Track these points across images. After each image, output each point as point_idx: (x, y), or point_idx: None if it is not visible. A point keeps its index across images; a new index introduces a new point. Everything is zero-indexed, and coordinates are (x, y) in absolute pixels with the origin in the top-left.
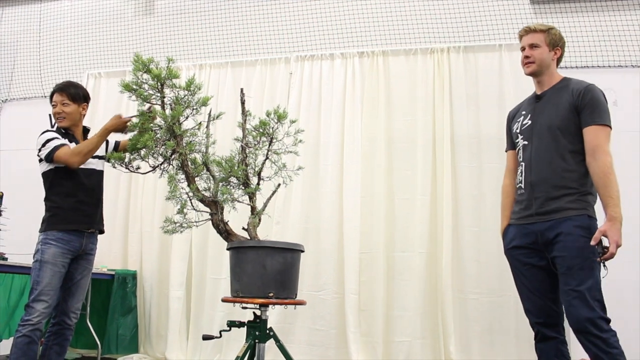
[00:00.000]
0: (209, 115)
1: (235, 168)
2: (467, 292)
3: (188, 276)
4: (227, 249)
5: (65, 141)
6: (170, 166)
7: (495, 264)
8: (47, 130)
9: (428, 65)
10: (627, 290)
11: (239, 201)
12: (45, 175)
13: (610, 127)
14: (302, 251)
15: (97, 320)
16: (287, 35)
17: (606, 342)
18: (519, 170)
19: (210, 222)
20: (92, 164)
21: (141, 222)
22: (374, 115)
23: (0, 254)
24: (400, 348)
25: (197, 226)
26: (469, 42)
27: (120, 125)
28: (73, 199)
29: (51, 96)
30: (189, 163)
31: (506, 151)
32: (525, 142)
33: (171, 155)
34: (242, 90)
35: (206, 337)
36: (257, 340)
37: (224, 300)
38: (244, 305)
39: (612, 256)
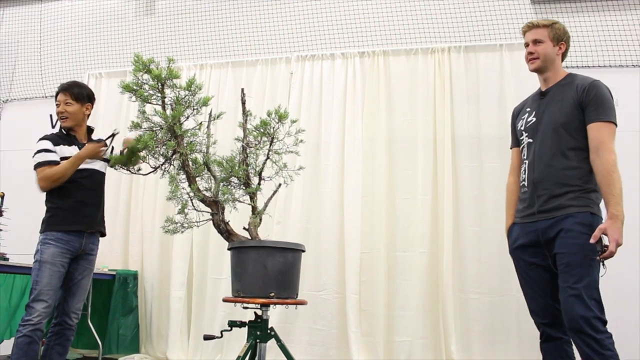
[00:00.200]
0: (210, 115)
1: (236, 168)
2: (468, 292)
3: (189, 276)
4: (228, 249)
5: (51, 156)
6: (171, 166)
7: (497, 264)
8: (43, 138)
9: (429, 65)
10: (627, 290)
11: (239, 201)
12: None
13: (616, 124)
14: (303, 251)
15: (98, 320)
16: (288, 35)
17: (600, 344)
18: (523, 168)
19: (211, 222)
20: (94, 165)
21: (142, 223)
22: (374, 115)
23: (1, 254)
24: (402, 348)
25: (198, 226)
26: (469, 42)
27: (95, 154)
28: (72, 200)
29: (55, 96)
30: (190, 163)
31: (511, 148)
32: (530, 140)
33: (172, 156)
34: (242, 90)
35: (207, 337)
36: (258, 340)
37: (225, 300)
38: (245, 305)
39: (611, 255)
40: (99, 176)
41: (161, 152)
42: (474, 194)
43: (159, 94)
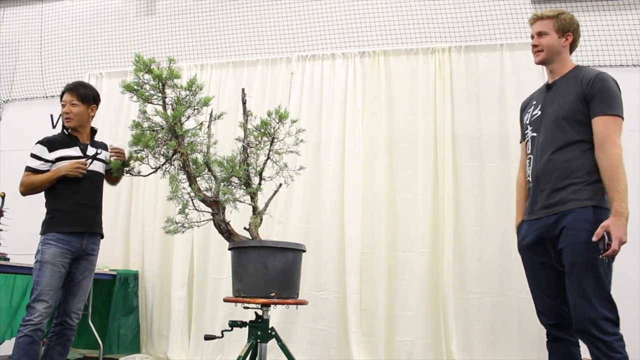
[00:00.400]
0: (211, 115)
1: (237, 168)
2: (469, 292)
3: (190, 276)
4: (229, 249)
5: (38, 164)
6: (172, 166)
7: (497, 264)
8: (40, 142)
9: (429, 64)
10: (627, 290)
11: (240, 201)
12: None
13: (622, 117)
14: (304, 251)
15: (99, 320)
16: (289, 35)
17: (609, 346)
18: (528, 163)
19: (211, 222)
20: (93, 166)
21: (143, 223)
22: (375, 115)
23: (2, 254)
24: (402, 348)
25: (198, 226)
26: (470, 42)
27: (76, 171)
28: (72, 202)
29: (61, 95)
30: (191, 163)
31: (520, 143)
32: (534, 134)
33: (173, 156)
34: (243, 90)
35: (208, 337)
36: (259, 340)
37: (225, 300)
38: (246, 305)
39: (614, 253)
40: (98, 178)
41: (162, 152)
42: (474, 193)
43: (160, 94)
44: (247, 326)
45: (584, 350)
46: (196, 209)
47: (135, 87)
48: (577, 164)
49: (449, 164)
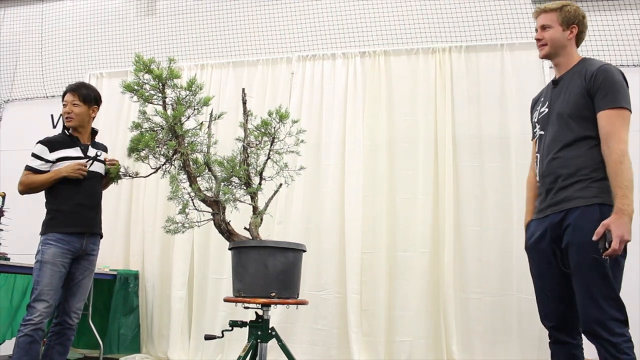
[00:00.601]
0: (211, 115)
1: (237, 168)
2: (469, 292)
3: (190, 276)
4: (229, 249)
5: (39, 164)
6: (172, 166)
7: (498, 264)
8: (41, 142)
9: (430, 65)
10: (627, 290)
11: (240, 201)
12: None
13: (629, 110)
14: (304, 251)
15: (99, 320)
16: (289, 35)
17: (616, 348)
18: (536, 162)
19: (212, 222)
20: (93, 167)
21: (143, 223)
22: (375, 115)
23: (2, 254)
24: (402, 348)
25: (199, 226)
26: (470, 42)
27: (76, 172)
28: (72, 202)
29: (63, 95)
30: (191, 163)
31: (531, 140)
32: (542, 132)
33: (173, 156)
34: (243, 90)
35: (208, 337)
36: (259, 340)
37: (226, 300)
38: (246, 305)
39: (614, 252)
40: (98, 179)
41: (162, 152)
42: (474, 193)
43: (160, 94)
44: (248, 326)
45: (589, 350)
46: (196, 209)
47: (136, 87)
48: (584, 161)
49: (450, 164)
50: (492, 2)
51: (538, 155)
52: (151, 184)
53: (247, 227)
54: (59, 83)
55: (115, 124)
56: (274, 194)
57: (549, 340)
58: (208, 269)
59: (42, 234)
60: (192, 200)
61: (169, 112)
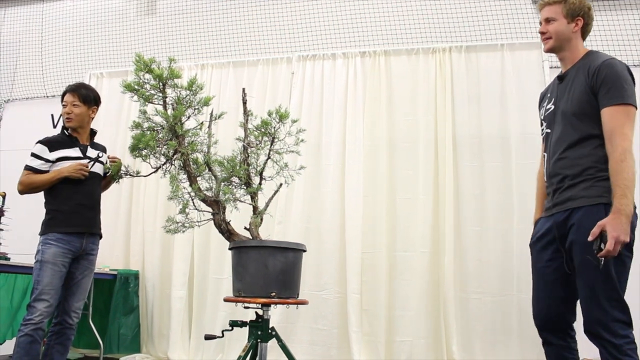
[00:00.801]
0: (211, 115)
1: (237, 168)
2: (470, 292)
3: (190, 276)
4: (229, 249)
5: (39, 164)
6: (172, 166)
7: (498, 264)
8: (41, 142)
9: (430, 65)
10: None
11: (240, 201)
12: None
13: (634, 106)
14: (304, 251)
15: (100, 320)
16: (289, 35)
17: (618, 349)
18: (543, 161)
19: (212, 221)
20: (93, 168)
21: (143, 222)
22: (375, 115)
23: (3, 254)
24: (403, 348)
25: (199, 226)
26: (470, 42)
27: (77, 172)
28: (72, 202)
29: (62, 96)
30: (191, 163)
31: (541, 136)
32: (548, 130)
33: (173, 155)
34: (244, 90)
35: (208, 337)
36: (259, 340)
37: (226, 300)
38: (246, 304)
39: (608, 253)
40: (98, 179)
41: (162, 152)
42: (475, 193)
43: (160, 94)
44: (248, 326)
45: (589, 350)
46: (197, 209)
47: (136, 86)
48: (589, 161)
49: (450, 164)
50: (492, 2)
51: (545, 154)
52: (151, 183)
53: (247, 227)
54: (59, 83)
55: (115, 124)
56: (274, 193)
57: (541, 340)
58: (208, 268)
59: (41, 234)
60: (192, 200)
61: (169, 111)
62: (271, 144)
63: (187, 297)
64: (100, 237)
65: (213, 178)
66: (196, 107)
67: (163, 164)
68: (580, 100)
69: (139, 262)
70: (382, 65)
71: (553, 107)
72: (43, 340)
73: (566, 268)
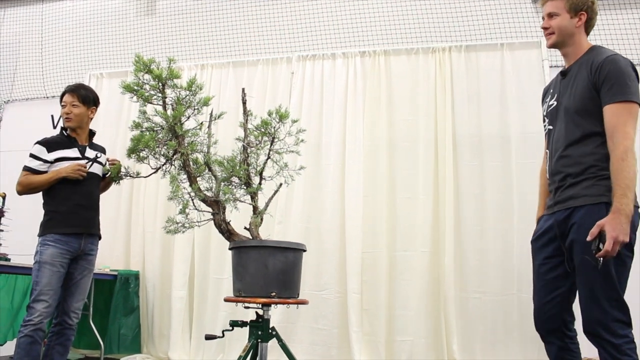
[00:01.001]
0: (211, 115)
1: (237, 168)
2: (470, 291)
3: (190, 276)
4: (230, 249)
5: (37, 165)
6: (172, 166)
7: (498, 263)
8: (40, 142)
9: (430, 64)
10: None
11: (240, 201)
12: None
13: (637, 103)
14: (304, 250)
15: (100, 320)
16: (289, 35)
17: (618, 349)
18: (546, 158)
19: (212, 222)
20: (92, 168)
21: (143, 223)
22: (375, 114)
23: (3, 254)
24: (403, 347)
25: (199, 226)
26: (470, 42)
27: (76, 173)
28: (71, 203)
29: (62, 96)
30: (191, 163)
31: (544, 132)
32: (550, 127)
33: (173, 156)
34: (243, 90)
35: (209, 337)
36: (259, 340)
37: (226, 300)
38: (247, 304)
39: (606, 254)
40: (96, 180)
41: (162, 153)
42: (475, 193)
43: (160, 94)
44: (248, 326)
45: (589, 350)
46: (197, 209)
47: (135, 87)
48: (592, 159)
49: (450, 163)
50: (491, 1)
51: (547, 151)
52: (151, 184)
53: (247, 227)
54: (59, 83)
55: (115, 124)
56: (274, 193)
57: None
58: (208, 269)
59: (40, 235)
60: (192, 200)
61: (169, 112)
62: (271, 144)
63: (187, 297)
64: (100, 237)
65: (213, 178)
66: (196, 107)
67: (163, 165)
68: (583, 97)
69: (139, 262)
70: (382, 65)
71: (555, 103)
72: (43, 340)
73: (567, 267)
